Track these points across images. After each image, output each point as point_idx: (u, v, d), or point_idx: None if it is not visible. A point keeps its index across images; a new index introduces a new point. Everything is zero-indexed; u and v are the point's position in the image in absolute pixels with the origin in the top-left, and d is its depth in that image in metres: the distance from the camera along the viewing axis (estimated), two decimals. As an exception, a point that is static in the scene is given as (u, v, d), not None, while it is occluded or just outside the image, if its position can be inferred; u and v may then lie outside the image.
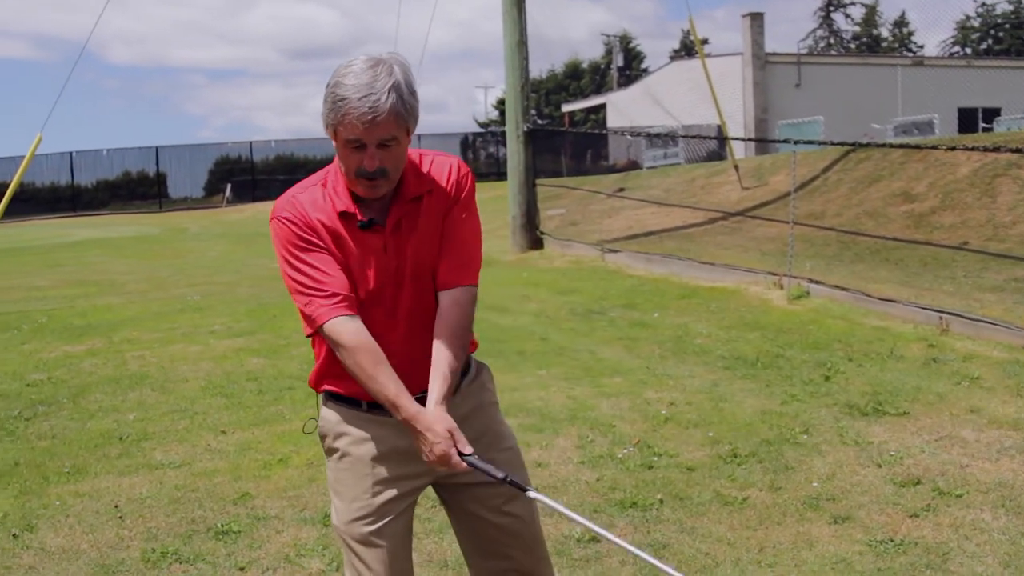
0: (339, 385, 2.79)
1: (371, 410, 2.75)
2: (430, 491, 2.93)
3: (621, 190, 20.62)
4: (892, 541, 4.45)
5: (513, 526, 2.87)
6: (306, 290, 2.63)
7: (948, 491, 5.00)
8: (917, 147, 13.71)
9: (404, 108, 2.52)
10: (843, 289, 10.07)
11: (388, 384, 2.59)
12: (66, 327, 10.90)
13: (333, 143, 2.60)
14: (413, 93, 2.56)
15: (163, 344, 9.66)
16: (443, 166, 2.76)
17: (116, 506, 5.25)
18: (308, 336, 2.75)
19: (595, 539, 4.56)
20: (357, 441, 2.79)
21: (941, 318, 8.57)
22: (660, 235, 15.55)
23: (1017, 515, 4.67)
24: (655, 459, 5.69)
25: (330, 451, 2.86)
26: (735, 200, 16.86)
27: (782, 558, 4.36)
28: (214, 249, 21.85)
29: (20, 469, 5.93)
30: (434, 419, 2.56)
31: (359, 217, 2.66)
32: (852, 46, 69.46)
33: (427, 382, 2.67)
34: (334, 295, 2.61)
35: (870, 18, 69.84)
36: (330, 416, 2.84)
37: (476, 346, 2.94)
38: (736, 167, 17.92)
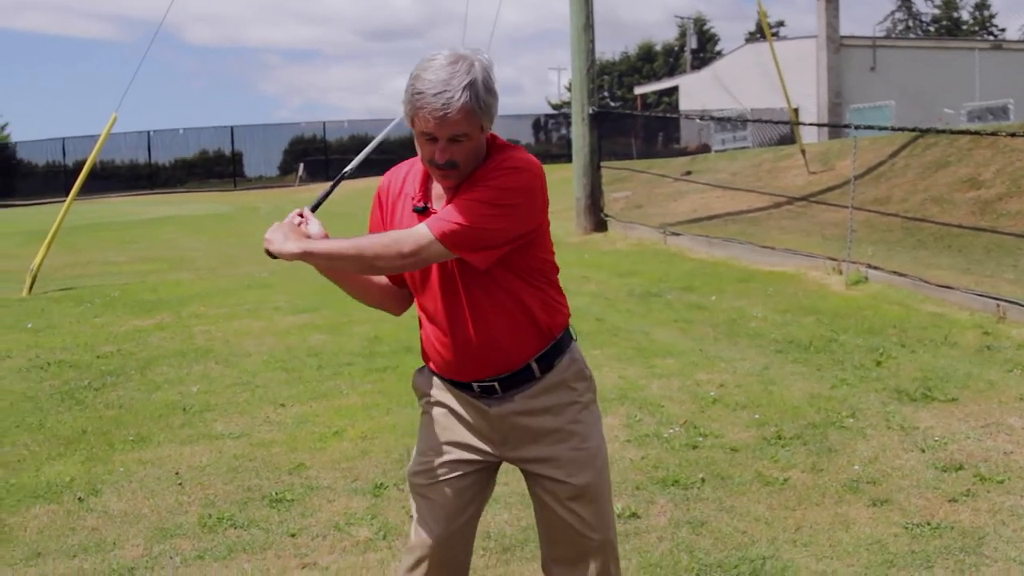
0: (424, 359, 3.03)
1: (446, 381, 2.96)
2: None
3: (688, 173, 20.57)
4: (928, 524, 4.50)
5: (578, 526, 2.91)
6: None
7: (989, 477, 5.02)
8: (979, 133, 13.54)
9: (478, 106, 2.58)
10: (901, 275, 10.03)
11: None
12: (137, 301, 11.23)
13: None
14: (490, 91, 2.63)
15: (229, 319, 9.92)
16: (499, 160, 2.73)
17: (177, 473, 5.47)
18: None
19: (635, 515, 4.69)
20: (434, 403, 3.00)
21: (999, 306, 8.53)
22: (724, 219, 15.54)
23: (1056, 502, 4.69)
24: (700, 439, 5.78)
25: (421, 406, 3.10)
26: (801, 185, 16.77)
27: (818, 538, 4.43)
28: (284, 227, 22.07)
29: (88, 436, 6.18)
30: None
31: (415, 201, 2.82)
32: (931, 29, 68.33)
33: (487, 369, 2.84)
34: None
35: (951, 0, 68.65)
36: (422, 378, 3.07)
37: (568, 316, 2.97)
38: (803, 151, 17.81)
